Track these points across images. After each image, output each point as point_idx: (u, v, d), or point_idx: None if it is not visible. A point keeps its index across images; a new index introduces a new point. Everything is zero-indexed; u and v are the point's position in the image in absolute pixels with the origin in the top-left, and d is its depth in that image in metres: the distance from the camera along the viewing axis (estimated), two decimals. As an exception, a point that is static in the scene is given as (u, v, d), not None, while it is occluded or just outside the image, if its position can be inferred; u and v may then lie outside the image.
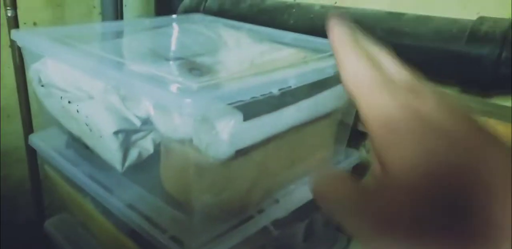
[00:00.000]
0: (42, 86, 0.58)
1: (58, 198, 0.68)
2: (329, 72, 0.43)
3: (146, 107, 0.46)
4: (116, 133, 0.49)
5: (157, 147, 0.53)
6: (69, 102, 0.54)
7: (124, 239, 0.52)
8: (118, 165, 0.51)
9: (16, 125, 0.84)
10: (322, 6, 0.58)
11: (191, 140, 0.41)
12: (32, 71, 0.57)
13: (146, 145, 0.53)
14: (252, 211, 0.48)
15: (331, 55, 0.50)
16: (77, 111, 0.53)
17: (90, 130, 0.52)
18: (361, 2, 0.61)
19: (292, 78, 0.40)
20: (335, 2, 0.64)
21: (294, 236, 0.58)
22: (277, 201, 0.50)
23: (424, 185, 0.15)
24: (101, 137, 0.50)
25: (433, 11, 0.53)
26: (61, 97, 0.55)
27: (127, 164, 0.51)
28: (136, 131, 0.52)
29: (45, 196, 0.87)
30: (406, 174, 0.16)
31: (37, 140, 0.65)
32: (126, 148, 0.51)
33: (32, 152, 0.80)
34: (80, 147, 0.58)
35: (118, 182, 0.53)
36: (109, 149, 0.50)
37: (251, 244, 0.50)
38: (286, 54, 0.50)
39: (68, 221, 0.69)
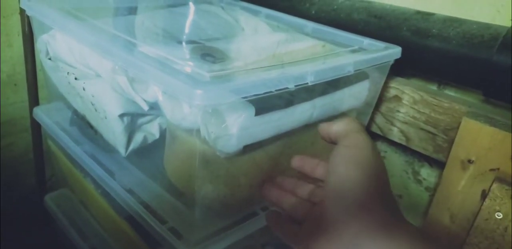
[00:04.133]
0: (50, 59, 0.56)
1: (59, 173, 0.68)
2: (349, 70, 0.41)
3: (154, 91, 0.44)
4: (121, 116, 0.47)
5: (163, 132, 0.51)
6: (75, 78, 0.52)
7: (122, 223, 0.52)
8: (121, 149, 0.49)
9: (22, 94, 0.83)
10: (347, -1, 0.55)
11: (198, 131, 0.39)
12: (40, 42, 0.55)
13: (152, 130, 0.51)
14: (256, 208, 0.46)
15: (353, 51, 0.47)
16: (83, 89, 0.51)
17: (95, 110, 0.51)
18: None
19: (310, 74, 0.38)
20: (361, -6, 0.60)
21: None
22: (281, 199, 0.48)
23: None
24: (105, 118, 0.49)
25: (463, 13, 0.50)
26: (68, 73, 0.53)
27: (131, 148, 0.50)
28: (143, 114, 0.50)
29: (47, 168, 0.87)
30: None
31: (41, 113, 0.64)
32: (131, 131, 0.50)
33: (36, 124, 0.79)
34: (84, 126, 0.57)
35: (121, 165, 0.51)
36: (113, 132, 0.49)
37: (252, 242, 0.49)
38: (306, 45, 0.47)
39: (68, 197, 0.68)
